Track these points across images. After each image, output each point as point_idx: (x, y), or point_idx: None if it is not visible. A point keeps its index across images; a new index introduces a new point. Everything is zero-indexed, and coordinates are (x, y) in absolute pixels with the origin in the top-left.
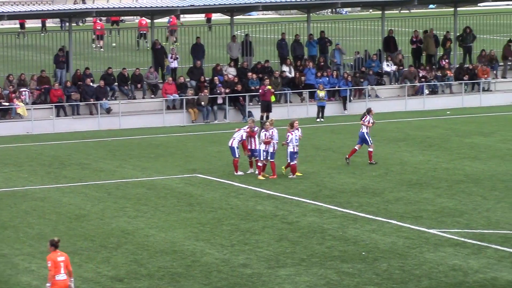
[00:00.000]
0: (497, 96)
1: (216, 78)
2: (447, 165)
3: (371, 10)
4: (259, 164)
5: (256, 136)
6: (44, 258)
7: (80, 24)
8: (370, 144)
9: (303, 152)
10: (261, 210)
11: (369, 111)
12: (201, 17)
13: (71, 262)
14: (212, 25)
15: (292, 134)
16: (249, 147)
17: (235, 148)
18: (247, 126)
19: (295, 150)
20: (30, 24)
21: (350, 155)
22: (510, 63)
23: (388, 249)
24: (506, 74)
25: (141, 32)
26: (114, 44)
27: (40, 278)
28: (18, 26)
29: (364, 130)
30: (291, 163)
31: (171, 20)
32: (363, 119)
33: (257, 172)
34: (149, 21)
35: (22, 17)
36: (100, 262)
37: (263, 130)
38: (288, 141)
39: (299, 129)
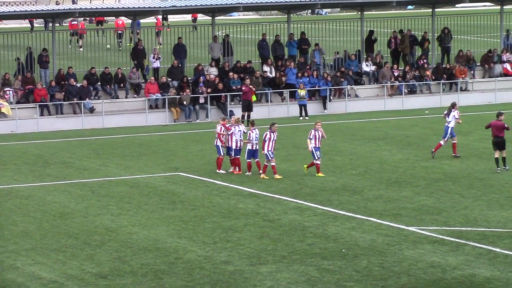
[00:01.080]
0: (475, 96)
1: (199, 78)
2: (426, 164)
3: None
4: (266, 163)
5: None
6: (29, 255)
7: (64, 24)
8: (454, 136)
9: (284, 151)
10: (243, 208)
11: (453, 106)
12: (187, 17)
13: (56, 261)
14: (197, 25)
15: (253, 132)
16: (227, 145)
17: (220, 146)
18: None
19: (254, 148)
20: (15, 24)
21: (436, 149)
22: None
23: (368, 246)
24: (484, 76)
25: (119, 32)
26: (108, 46)
27: (25, 275)
28: None
29: (451, 125)
30: (255, 160)
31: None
32: (448, 114)
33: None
34: (128, 21)
35: (5, 17)
36: (84, 259)
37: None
38: (249, 138)
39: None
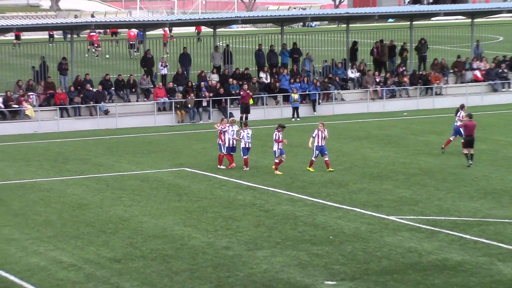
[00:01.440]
0: (448, 100)
1: (202, 83)
2: (404, 160)
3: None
4: (276, 160)
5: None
6: (51, 242)
7: (81, 36)
8: (463, 135)
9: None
10: (241, 200)
11: (462, 107)
12: (191, 29)
13: (75, 246)
14: (201, 36)
15: (244, 132)
16: (218, 142)
17: (221, 144)
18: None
19: (247, 146)
20: (37, 35)
21: (446, 145)
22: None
23: (352, 234)
24: (456, 82)
25: (131, 42)
26: (107, 56)
27: (47, 259)
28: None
29: (459, 123)
30: (244, 157)
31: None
32: (457, 114)
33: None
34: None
35: (29, 29)
36: (100, 245)
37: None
38: (240, 137)
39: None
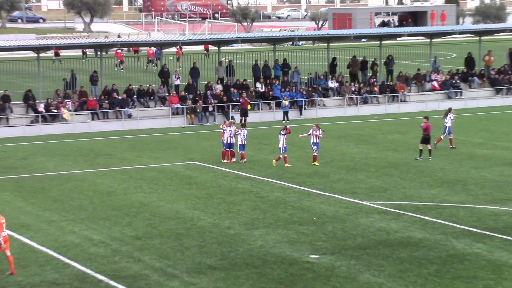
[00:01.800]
0: (411, 105)
1: (208, 92)
2: (375, 155)
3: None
4: (280, 156)
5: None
6: (83, 223)
7: (109, 53)
8: (451, 133)
9: (271, 146)
10: (241, 188)
11: (450, 110)
12: (200, 47)
13: (103, 227)
14: (209, 53)
15: (241, 131)
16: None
17: (224, 142)
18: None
19: (243, 143)
20: (72, 53)
21: (437, 142)
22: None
23: (332, 216)
24: (417, 91)
25: (149, 58)
26: (123, 70)
27: (81, 238)
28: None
29: (449, 124)
30: (240, 152)
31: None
32: (447, 116)
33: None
34: (155, 50)
35: (66, 47)
36: (124, 226)
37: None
38: (237, 133)
39: (321, 129)
